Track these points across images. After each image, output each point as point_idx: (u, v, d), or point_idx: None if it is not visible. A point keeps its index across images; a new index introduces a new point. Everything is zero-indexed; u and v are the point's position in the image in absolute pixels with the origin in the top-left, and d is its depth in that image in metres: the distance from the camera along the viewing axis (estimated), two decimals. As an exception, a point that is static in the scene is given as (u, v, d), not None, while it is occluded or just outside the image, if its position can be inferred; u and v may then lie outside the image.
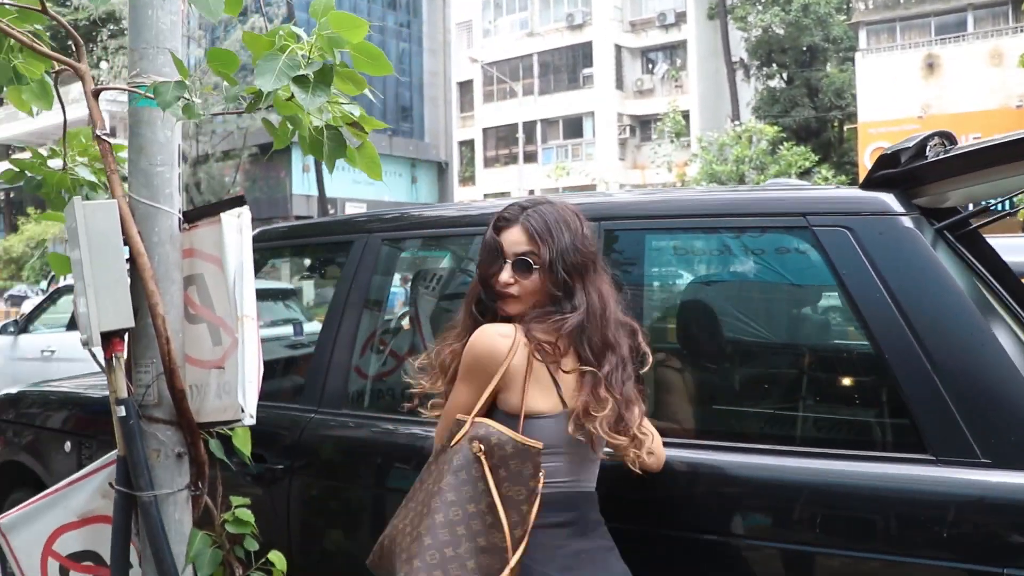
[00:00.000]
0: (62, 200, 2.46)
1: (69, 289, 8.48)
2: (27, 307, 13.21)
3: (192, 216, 2.14)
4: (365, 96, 2.15)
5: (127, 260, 2.02)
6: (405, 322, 3.32)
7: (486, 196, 32.34)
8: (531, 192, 26.03)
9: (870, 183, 2.05)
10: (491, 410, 1.87)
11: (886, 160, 2.02)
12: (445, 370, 2.00)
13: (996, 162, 1.89)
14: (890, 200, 1.95)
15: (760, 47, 32.48)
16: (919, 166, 1.99)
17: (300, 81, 1.78)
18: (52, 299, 8.98)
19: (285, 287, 7.33)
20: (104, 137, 2.04)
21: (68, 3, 22.66)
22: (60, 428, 3.48)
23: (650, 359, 1.90)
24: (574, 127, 36.36)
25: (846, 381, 2.18)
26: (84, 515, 2.30)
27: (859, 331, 1.91)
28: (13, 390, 3.98)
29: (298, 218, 28.76)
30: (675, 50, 35.81)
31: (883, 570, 1.72)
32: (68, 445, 3.32)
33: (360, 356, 2.83)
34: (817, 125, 31.78)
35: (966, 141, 2.25)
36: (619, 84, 35.87)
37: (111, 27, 25.38)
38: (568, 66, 36.49)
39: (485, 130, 38.45)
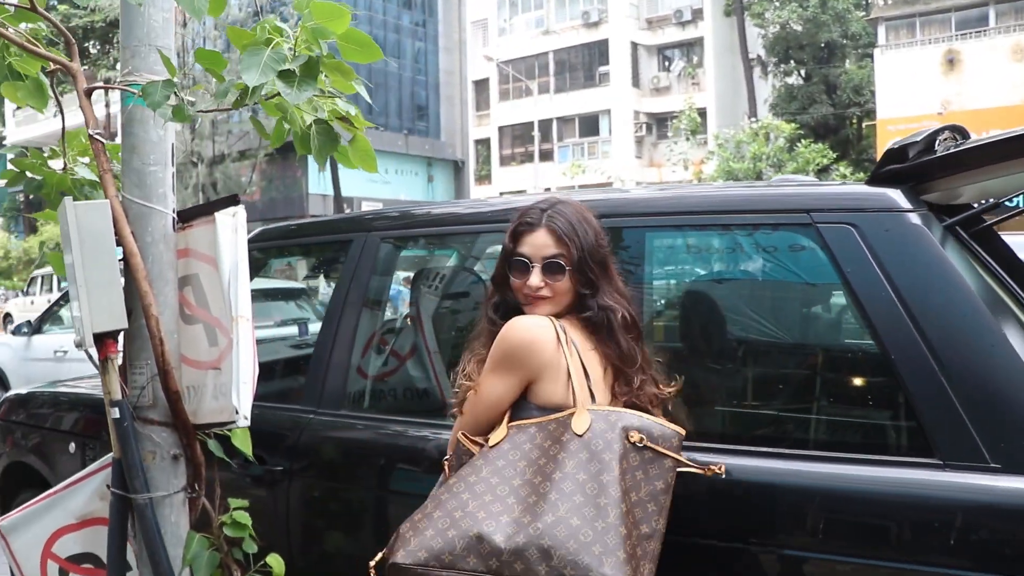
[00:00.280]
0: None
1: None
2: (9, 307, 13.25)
3: (186, 216, 2.12)
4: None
5: (120, 260, 2.00)
6: (407, 322, 3.29)
7: (501, 194, 32.33)
8: (547, 190, 25.98)
9: (877, 179, 1.99)
10: (520, 405, 1.88)
11: (893, 155, 1.97)
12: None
13: (1009, 156, 1.83)
14: (897, 196, 1.90)
15: (777, 44, 32.24)
16: (927, 161, 1.93)
17: (285, 76, 1.75)
18: (65, 300, 9.03)
19: (295, 286, 7.32)
20: (97, 136, 2.02)
21: (84, 7, 22.82)
22: (64, 429, 3.48)
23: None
24: (590, 125, 36.26)
25: (851, 383, 2.13)
26: (83, 517, 2.29)
27: (864, 331, 1.86)
28: (22, 391, 3.99)
29: (314, 218, 28.87)
30: (692, 47, 35.63)
31: (888, 577, 1.68)
32: (72, 446, 3.31)
33: (360, 356, 2.80)
34: (835, 122, 31.53)
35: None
36: (635, 82, 35.73)
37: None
38: (584, 64, 36.40)
39: (501, 128, 38.42)
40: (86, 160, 2.49)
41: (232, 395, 1.98)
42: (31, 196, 2.40)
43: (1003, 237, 2.53)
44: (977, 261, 2.00)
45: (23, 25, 2.14)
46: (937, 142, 1.99)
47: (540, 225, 1.93)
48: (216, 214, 2.04)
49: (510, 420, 1.87)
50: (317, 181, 31.92)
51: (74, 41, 2.07)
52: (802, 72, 32.76)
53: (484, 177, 39.43)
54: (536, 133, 34.17)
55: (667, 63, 36.52)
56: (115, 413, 2.01)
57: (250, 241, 2.95)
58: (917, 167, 1.93)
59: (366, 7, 35.44)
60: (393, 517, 2.53)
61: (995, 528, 1.61)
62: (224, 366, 2.03)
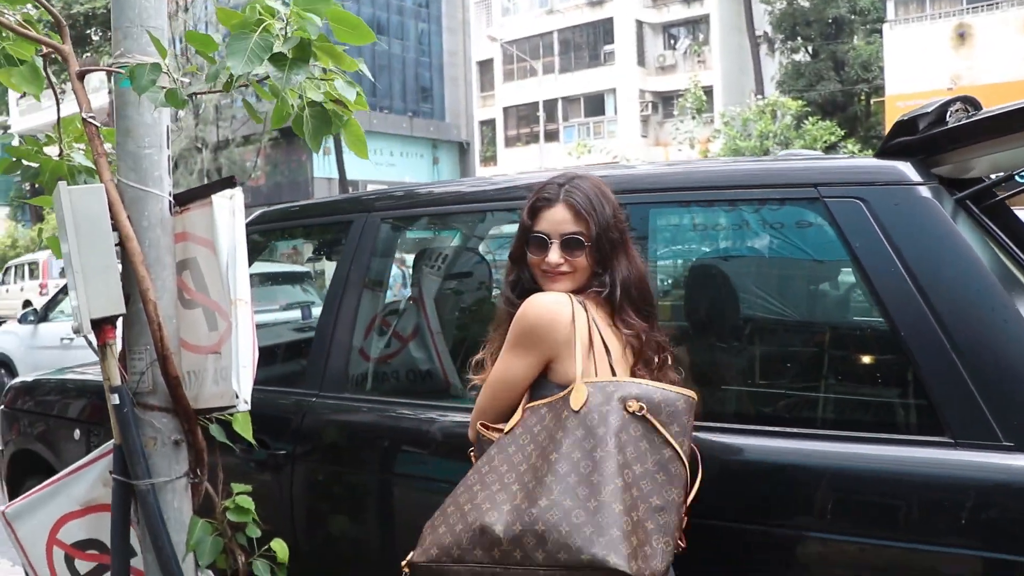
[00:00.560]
0: (59, 188, 2.42)
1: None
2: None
3: (183, 199, 2.09)
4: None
5: (117, 245, 1.98)
6: (409, 303, 3.26)
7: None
8: (553, 171, 25.79)
9: (886, 151, 1.95)
10: (539, 384, 1.85)
11: (904, 127, 1.92)
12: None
13: (1022, 127, 1.78)
14: (906, 169, 1.85)
15: (784, 20, 31.95)
16: (939, 132, 1.88)
17: (276, 59, 1.71)
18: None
19: (298, 270, 7.32)
20: (90, 120, 2.00)
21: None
22: (69, 416, 3.47)
23: None
24: (595, 105, 36.08)
25: (860, 360, 2.09)
26: (87, 504, 2.28)
27: (874, 308, 1.82)
28: (28, 378, 3.99)
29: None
30: (697, 25, 35.36)
31: (899, 558, 1.65)
32: (77, 433, 3.31)
33: (362, 338, 2.78)
34: (843, 99, 31.28)
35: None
36: (641, 60, 35.49)
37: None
38: (589, 43, 36.18)
39: (506, 109, 38.26)
40: (82, 146, 2.47)
41: (232, 379, 1.96)
42: (36, 185, 2.37)
43: (1015, 212, 2.49)
44: (988, 236, 1.96)
45: (17, 8, 2.11)
46: (948, 113, 1.94)
47: (558, 200, 1.90)
48: (213, 197, 2.02)
49: (528, 402, 1.84)
50: (322, 165, 31.88)
51: (65, 23, 2.04)
52: (809, 48, 32.48)
53: (489, 158, 39.32)
54: (541, 113, 34.03)
55: (672, 41, 36.27)
56: (115, 399, 2.00)
57: (250, 224, 2.94)
58: (928, 139, 1.89)
59: (370, -12, 35.26)
60: (397, 500, 2.52)
61: (1007, 507, 1.58)
62: (224, 350, 2.02)
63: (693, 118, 28.18)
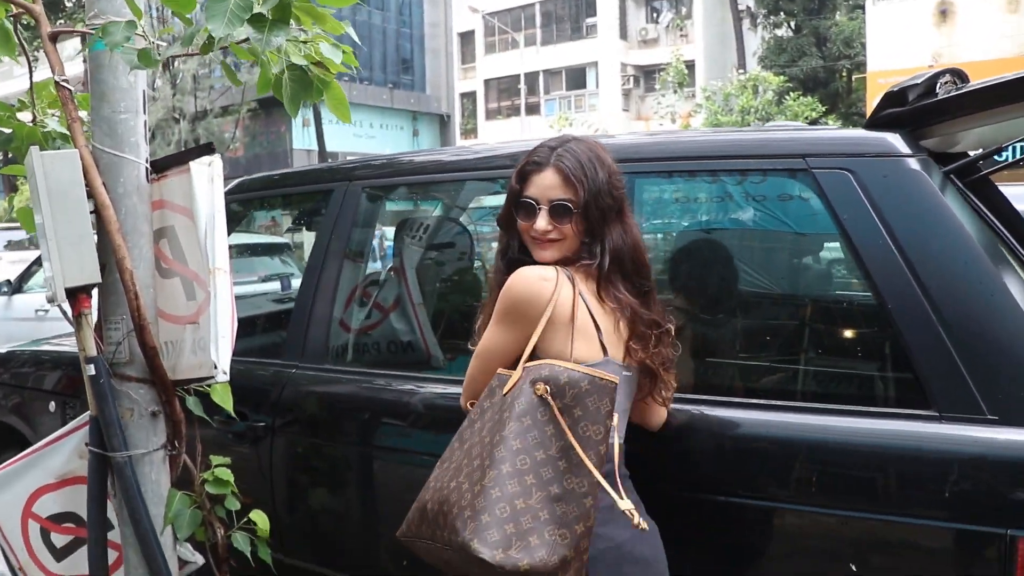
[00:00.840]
0: (32, 155, 2.36)
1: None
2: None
3: (160, 166, 2.05)
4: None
5: (92, 213, 1.93)
6: (390, 273, 3.23)
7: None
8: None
9: (875, 123, 1.93)
10: (533, 355, 1.76)
11: (893, 98, 1.90)
12: None
13: (1013, 99, 1.77)
14: (896, 141, 1.84)
15: (767, -5, 31.86)
16: (928, 104, 1.86)
17: (256, 20, 1.65)
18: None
19: (276, 240, 7.25)
20: (64, 84, 1.94)
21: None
22: (45, 388, 3.42)
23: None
24: (577, 78, 35.92)
25: (846, 333, 2.09)
26: (62, 476, 2.25)
27: (861, 280, 1.81)
28: (2, 350, 3.92)
29: (299, 173, 28.60)
30: (680, -1, 35.20)
31: (883, 531, 1.65)
32: (53, 405, 3.26)
33: (343, 309, 2.75)
34: (825, 75, 31.26)
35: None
36: (623, 34, 35.30)
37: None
38: (571, 15, 35.94)
39: (487, 82, 38.02)
40: (57, 112, 2.40)
41: (211, 350, 1.93)
42: (9, 155, 2.30)
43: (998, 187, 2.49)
44: (974, 210, 1.95)
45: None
46: (938, 85, 1.92)
47: (548, 165, 1.80)
48: (191, 163, 1.98)
49: None
50: (301, 136, 31.59)
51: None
52: (792, 24, 32.39)
53: (470, 131, 39.10)
54: (522, 86, 33.84)
55: (655, 14, 36.09)
56: (91, 370, 1.96)
57: (229, 193, 2.89)
58: (917, 111, 1.87)
59: (349, -43, 34.73)
60: (377, 471, 2.50)
61: (992, 480, 1.58)
62: (202, 320, 1.98)
63: (675, 92, 28.12)
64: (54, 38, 1.95)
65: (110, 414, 1.97)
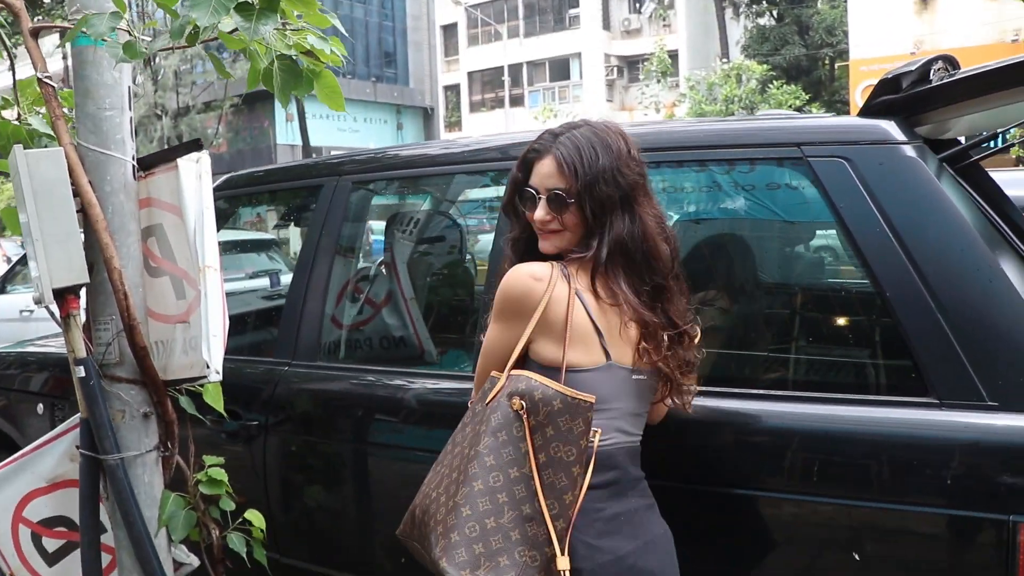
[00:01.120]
0: (17, 154, 2.32)
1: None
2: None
3: (147, 163, 2.02)
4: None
5: (78, 212, 1.90)
6: (381, 269, 3.20)
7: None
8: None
9: (870, 110, 1.92)
10: (524, 363, 1.68)
11: (887, 85, 1.89)
12: None
13: (1007, 85, 1.76)
14: (891, 128, 1.83)
15: (749, -17, 31.91)
16: (923, 91, 1.86)
17: (243, 9, 1.62)
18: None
19: (264, 237, 7.20)
20: (47, 80, 1.90)
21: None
22: (32, 390, 3.38)
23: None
24: (561, 69, 35.88)
25: (845, 322, 2.08)
26: (53, 480, 2.22)
27: (858, 268, 1.80)
28: (-14, 351, 3.88)
29: (284, 168, 28.49)
30: (663, -12, 35.19)
31: (885, 519, 1.64)
32: (41, 407, 3.22)
33: (334, 305, 2.73)
34: (808, 63, 31.37)
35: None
36: (606, 24, 35.30)
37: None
38: (553, 6, 35.89)
39: (470, 74, 37.93)
40: (42, 110, 2.37)
41: (202, 349, 1.90)
42: (-8, 151, 2.26)
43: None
44: (967, 196, 1.94)
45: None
46: (932, 72, 1.91)
47: (548, 152, 1.70)
48: (178, 160, 1.95)
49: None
50: (285, 131, 31.45)
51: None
52: (774, 13, 32.47)
53: (454, 124, 39.02)
54: (506, 78, 33.76)
55: (638, 5, 36.08)
56: (80, 371, 1.93)
57: (216, 189, 2.86)
58: (912, 97, 1.86)
59: (330, -49, 34.59)
60: (372, 469, 2.48)
61: (992, 467, 1.58)
62: (193, 319, 1.96)
63: (658, 81, 28.15)
64: (35, 33, 1.91)
65: (101, 416, 1.95)
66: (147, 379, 1.99)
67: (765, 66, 26.11)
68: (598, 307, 1.63)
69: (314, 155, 28.48)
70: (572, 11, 35.28)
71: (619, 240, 1.64)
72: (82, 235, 1.92)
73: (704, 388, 1.86)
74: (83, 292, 1.97)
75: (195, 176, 1.95)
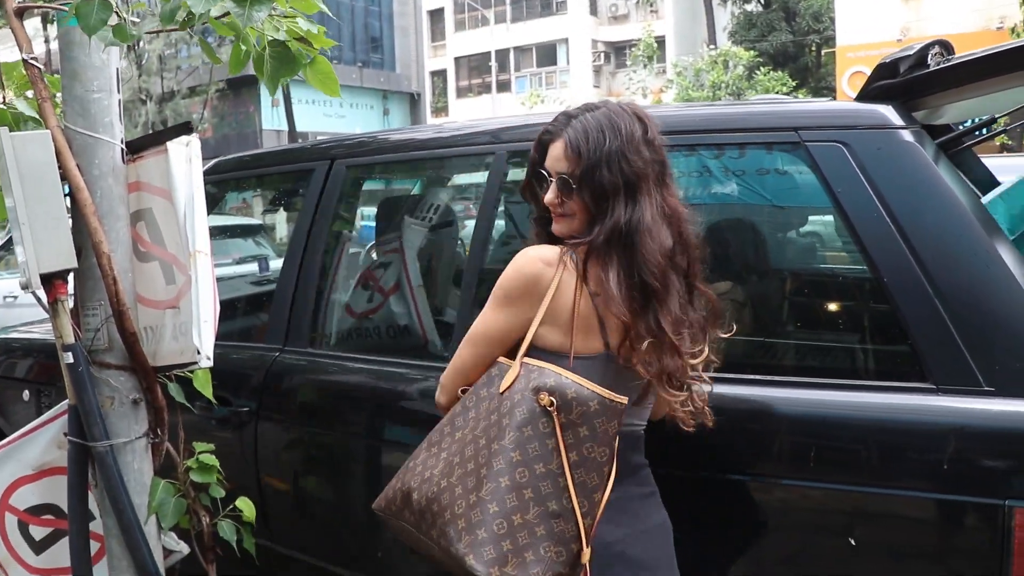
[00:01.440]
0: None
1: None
2: None
3: (136, 146, 1.99)
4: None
5: (66, 196, 1.87)
6: (373, 254, 3.18)
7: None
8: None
9: (867, 95, 1.91)
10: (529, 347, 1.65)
11: (884, 70, 1.88)
12: None
13: (1006, 70, 1.75)
14: (889, 113, 1.82)
15: (736, -31, 31.88)
16: (921, 75, 1.85)
17: (236, -6, 1.59)
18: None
19: (252, 222, 7.16)
20: (32, 62, 1.87)
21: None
22: (17, 376, 3.35)
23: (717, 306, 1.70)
24: (548, 55, 35.78)
25: (842, 307, 2.08)
26: (40, 467, 2.19)
27: (856, 254, 1.80)
28: (-29, 338, 3.83)
29: (269, 154, 28.36)
30: (650, -27, 35.10)
31: (882, 504, 1.64)
32: (26, 394, 3.19)
33: (327, 290, 2.70)
34: (794, 49, 31.40)
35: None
36: (593, 10, 35.21)
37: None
38: (541, -8, 35.75)
39: (457, 59, 37.78)
40: (30, 94, 2.33)
41: (193, 334, 1.89)
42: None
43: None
44: (962, 182, 1.94)
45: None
46: (929, 56, 1.91)
47: (560, 135, 1.67)
48: (168, 144, 1.92)
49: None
50: (271, 117, 31.27)
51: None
52: (761, -1, 32.48)
53: (441, 109, 38.88)
54: (493, 63, 33.66)
55: (625, -10, 35.99)
56: (68, 358, 1.91)
57: (204, 174, 2.82)
58: (910, 82, 1.85)
59: (315, -66, 34.25)
60: (366, 457, 2.47)
61: (988, 452, 1.58)
62: (183, 304, 1.94)
63: (645, 66, 28.13)
64: (20, 13, 1.87)
65: (90, 403, 1.92)
66: (136, 365, 1.97)
67: (752, 52, 26.15)
68: (605, 309, 1.59)
69: (300, 140, 28.35)
70: (559, -4, 35.18)
71: (616, 228, 1.58)
72: (70, 220, 1.89)
73: (710, 374, 1.83)
74: (71, 277, 1.94)
75: (185, 160, 1.92)
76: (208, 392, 2.19)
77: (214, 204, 3.22)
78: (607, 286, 1.57)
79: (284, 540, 2.63)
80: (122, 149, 1.96)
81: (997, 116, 2.19)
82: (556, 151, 1.67)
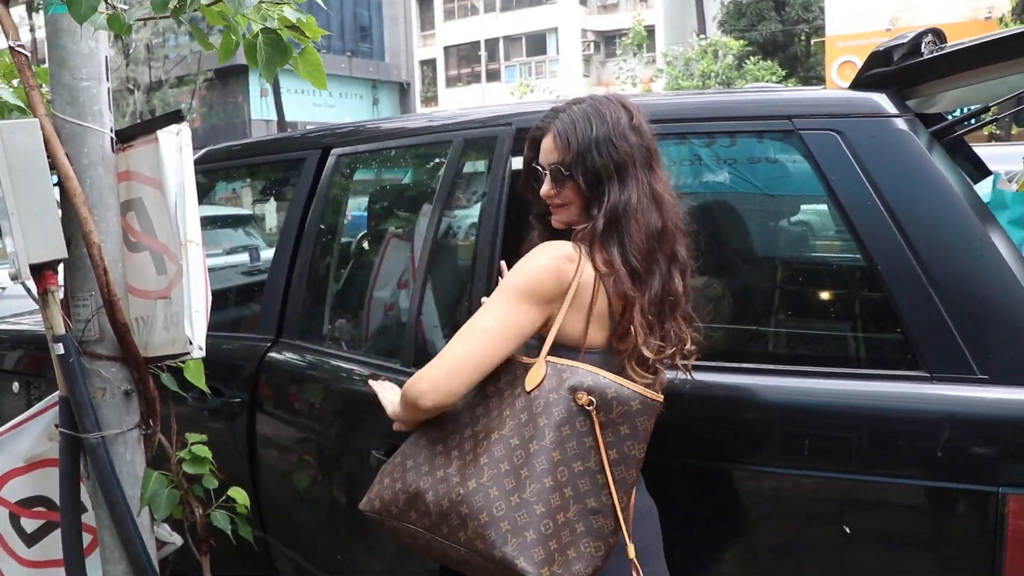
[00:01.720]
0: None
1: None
2: None
3: (126, 135, 1.97)
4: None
5: (55, 185, 1.85)
6: (364, 244, 3.16)
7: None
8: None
9: (860, 83, 1.91)
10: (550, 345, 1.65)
11: (878, 58, 1.87)
12: None
13: (1000, 58, 1.75)
14: (883, 101, 1.81)
15: (726, -42, 31.83)
16: (916, 63, 1.84)
17: (227, -20, 1.58)
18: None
19: (242, 212, 7.13)
20: (19, 49, 1.84)
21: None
22: (6, 368, 3.33)
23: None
24: (537, 44, 35.69)
25: (836, 296, 2.08)
26: (31, 459, 2.19)
27: (850, 242, 1.79)
28: (-41, 329, 3.81)
29: (258, 144, 28.23)
30: (640, -37, 35.02)
31: (876, 492, 1.65)
32: (16, 386, 3.17)
33: (320, 280, 2.69)
34: (784, 39, 31.39)
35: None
36: (583, -1, 35.11)
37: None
38: (530, -20, 35.63)
39: (447, 48, 37.65)
40: (16, 83, 2.31)
41: (185, 325, 1.87)
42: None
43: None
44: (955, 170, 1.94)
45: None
46: (923, 45, 1.90)
47: (549, 129, 1.71)
48: (158, 132, 1.91)
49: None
50: (260, 106, 31.14)
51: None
52: (750, -12, 32.42)
53: (431, 99, 38.77)
54: (483, 53, 33.56)
55: (615, -21, 35.91)
56: (59, 349, 1.90)
57: (195, 164, 2.80)
58: (904, 70, 1.85)
59: (303, -78, 34.03)
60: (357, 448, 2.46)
61: (982, 440, 1.58)
62: (174, 295, 1.93)
63: (634, 54, 28.11)
64: (6, 0, 1.85)
65: (81, 394, 1.91)
66: (128, 356, 1.96)
67: (742, 42, 26.18)
68: (614, 289, 1.62)
69: (289, 130, 28.23)
70: (549, -15, 35.07)
71: (613, 210, 1.62)
72: (59, 209, 1.88)
73: (702, 363, 1.83)
74: (61, 268, 1.93)
75: (175, 149, 1.91)
76: (201, 383, 2.17)
77: (204, 194, 3.20)
78: (616, 265, 1.61)
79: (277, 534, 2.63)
80: (111, 138, 1.94)
81: (990, 105, 2.19)
82: (547, 144, 1.71)
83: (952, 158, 2.03)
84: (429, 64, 39.20)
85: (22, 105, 2.27)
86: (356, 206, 3.43)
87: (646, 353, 1.62)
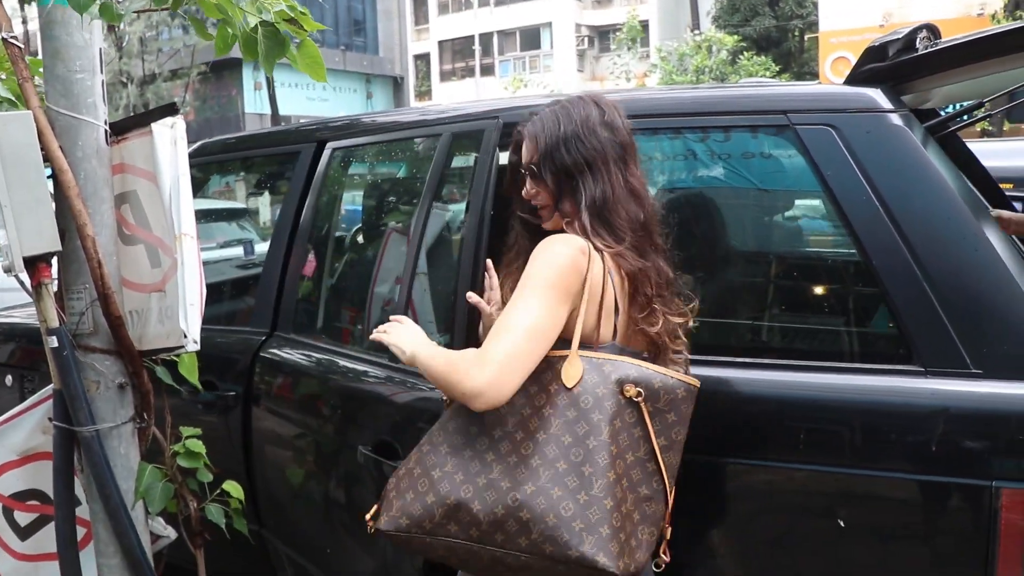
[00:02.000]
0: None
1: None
2: None
3: (120, 128, 1.97)
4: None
5: (49, 178, 1.85)
6: (359, 237, 3.15)
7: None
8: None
9: (855, 78, 1.91)
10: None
11: (873, 53, 1.88)
12: None
13: (995, 54, 1.75)
14: (878, 96, 1.81)
15: (720, -47, 31.81)
16: (911, 59, 1.85)
17: (225, -27, 1.58)
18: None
19: (235, 206, 7.11)
20: (12, 41, 1.84)
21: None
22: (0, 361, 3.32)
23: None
24: (531, 38, 35.66)
25: (830, 290, 2.08)
26: (25, 453, 2.18)
27: (844, 237, 1.80)
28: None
29: (251, 138, 28.13)
30: (634, -43, 34.98)
31: (870, 486, 1.65)
32: (9, 379, 3.16)
33: (314, 274, 2.69)
34: (778, 35, 31.39)
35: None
36: (577, -7, 35.07)
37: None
38: (524, -25, 35.57)
39: (441, 43, 37.59)
40: (4, 76, 2.29)
41: (179, 318, 1.87)
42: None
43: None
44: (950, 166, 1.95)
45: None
46: (918, 40, 1.90)
47: (524, 131, 1.79)
48: (153, 125, 1.90)
49: None
50: (253, 100, 31.04)
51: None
52: (745, -17, 32.42)
53: (424, 93, 38.71)
54: (477, 47, 33.51)
55: (609, -26, 35.87)
56: (53, 342, 1.89)
57: (189, 157, 2.79)
58: (899, 65, 1.85)
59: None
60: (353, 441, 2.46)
61: (976, 434, 1.59)
62: (169, 288, 1.92)
63: (629, 49, 28.10)
64: (-1, -8, 1.84)
65: (75, 387, 1.91)
66: (122, 349, 1.95)
67: (735, 37, 26.17)
68: (619, 282, 1.67)
69: (283, 124, 28.15)
70: (543, -21, 35.01)
71: (593, 203, 1.68)
72: (53, 202, 1.87)
73: (698, 357, 1.84)
74: (55, 261, 1.92)
75: (170, 141, 1.90)
76: (194, 377, 2.17)
77: (199, 187, 3.19)
78: (618, 246, 1.66)
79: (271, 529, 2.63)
80: (106, 130, 1.94)
81: (984, 101, 2.19)
82: (524, 146, 1.78)
83: (946, 153, 2.03)
84: (423, 58, 39.13)
85: (12, 98, 2.26)
86: (350, 200, 3.41)
87: (675, 320, 1.69)
